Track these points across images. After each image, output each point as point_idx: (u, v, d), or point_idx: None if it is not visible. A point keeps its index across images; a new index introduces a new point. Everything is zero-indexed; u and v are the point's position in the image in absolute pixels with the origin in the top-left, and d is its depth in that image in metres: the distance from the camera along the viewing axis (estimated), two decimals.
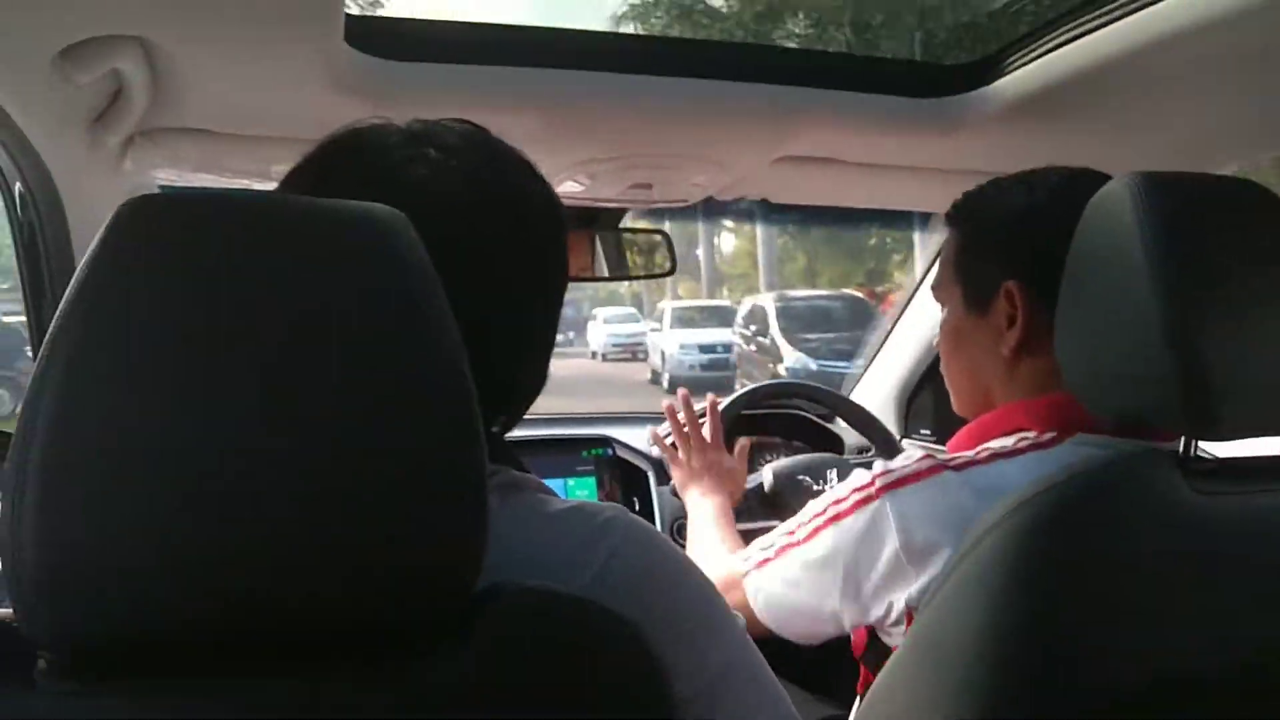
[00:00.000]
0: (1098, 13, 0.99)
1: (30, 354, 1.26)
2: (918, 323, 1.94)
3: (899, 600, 0.83)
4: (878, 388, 2.06)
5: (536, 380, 0.71)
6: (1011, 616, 0.71)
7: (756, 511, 1.61)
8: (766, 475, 1.65)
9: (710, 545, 1.25)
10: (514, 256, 0.65)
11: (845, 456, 1.78)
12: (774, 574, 0.94)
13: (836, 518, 0.87)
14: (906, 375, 1.99)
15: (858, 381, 2.13)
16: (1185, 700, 0.71)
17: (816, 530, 0.89)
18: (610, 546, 0.60)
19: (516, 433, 1.89)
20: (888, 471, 0.86)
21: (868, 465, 0.91)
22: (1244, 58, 0.98)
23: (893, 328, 2.01)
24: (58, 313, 0.44)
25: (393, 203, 0.50)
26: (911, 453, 0.89)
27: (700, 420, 1.49)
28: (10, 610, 0.44)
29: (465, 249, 0.60)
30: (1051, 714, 0.70)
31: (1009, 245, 0.93)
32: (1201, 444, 0.75)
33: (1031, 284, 0.89)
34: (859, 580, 0.85)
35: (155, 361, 0.43)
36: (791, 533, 0.93)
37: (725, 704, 0.62)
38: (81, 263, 0.45)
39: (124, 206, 0.46)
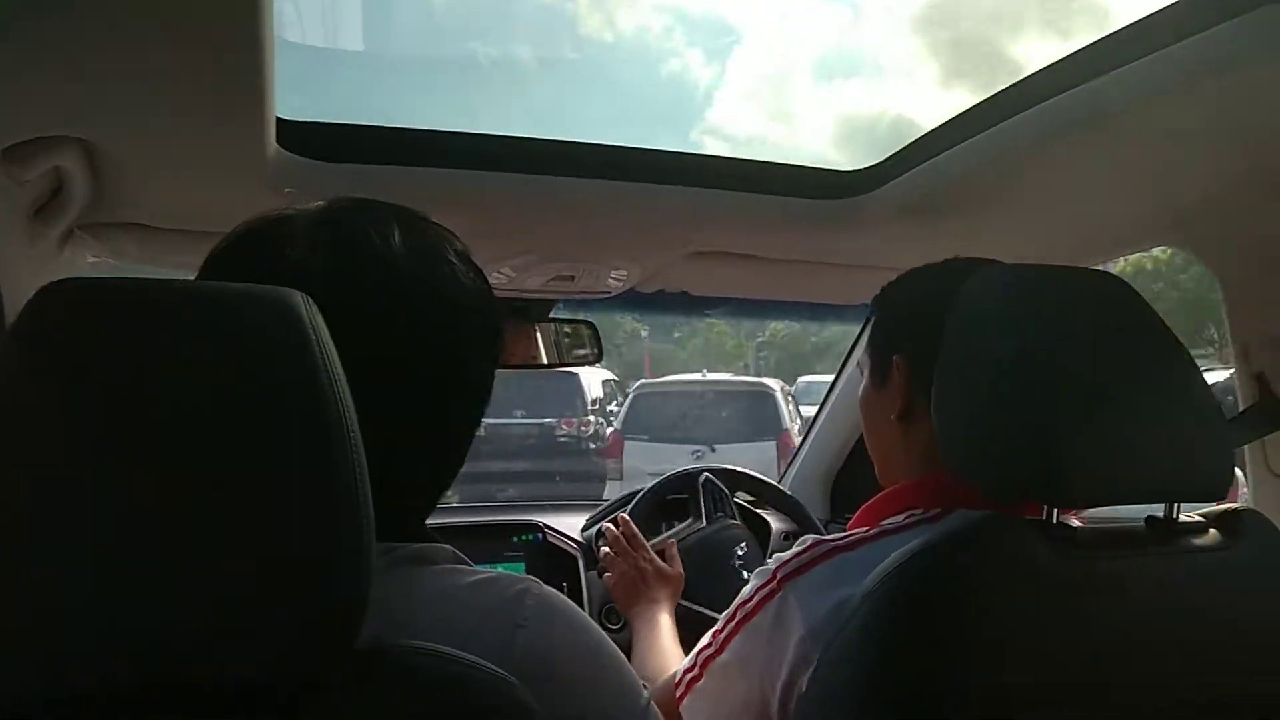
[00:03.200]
0: (973, 124, 1.10)
1: None
2: (841, 409, 2.02)
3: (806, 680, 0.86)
4: (807, 473, 2.12)
5: (451, 467, 0.71)
6: (879, 682, 0.75)
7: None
8: (691, 543, 1.69)
9: (654, 669, 1.27)
10: (424, 344, 0.65)
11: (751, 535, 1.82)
12: (701, 693, 0.97)
13: (746, 619, 0.92)
14: (831, 460, 2.06)
15: (788, 468, 2.19)
16: None
17: (730, 636, 0.93)
18: (519, 617, 0.59)
19: (446, 519, 1.91)
20: (785, 564, 0.91)
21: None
22: (1102, 167, 1.09)
23: (818, 415, 2.09)
24: None
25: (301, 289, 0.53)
26: (803, 541, 0.93)
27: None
28: None
29: (373, 336, 0.61)
30: None
31: (900, 327, 1.04)
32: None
33: (912, 361, 1.00)
34: (774, 673, 0.88)
35: (62, 438, 0.47)
36: (709, 644, 0.97)
37: None
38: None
39: (40, 292, 0.50)
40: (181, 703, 0.48)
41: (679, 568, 1.55)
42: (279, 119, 0.99)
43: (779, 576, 0.89)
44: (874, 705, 0.76)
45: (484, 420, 0.72)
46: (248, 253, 0.66)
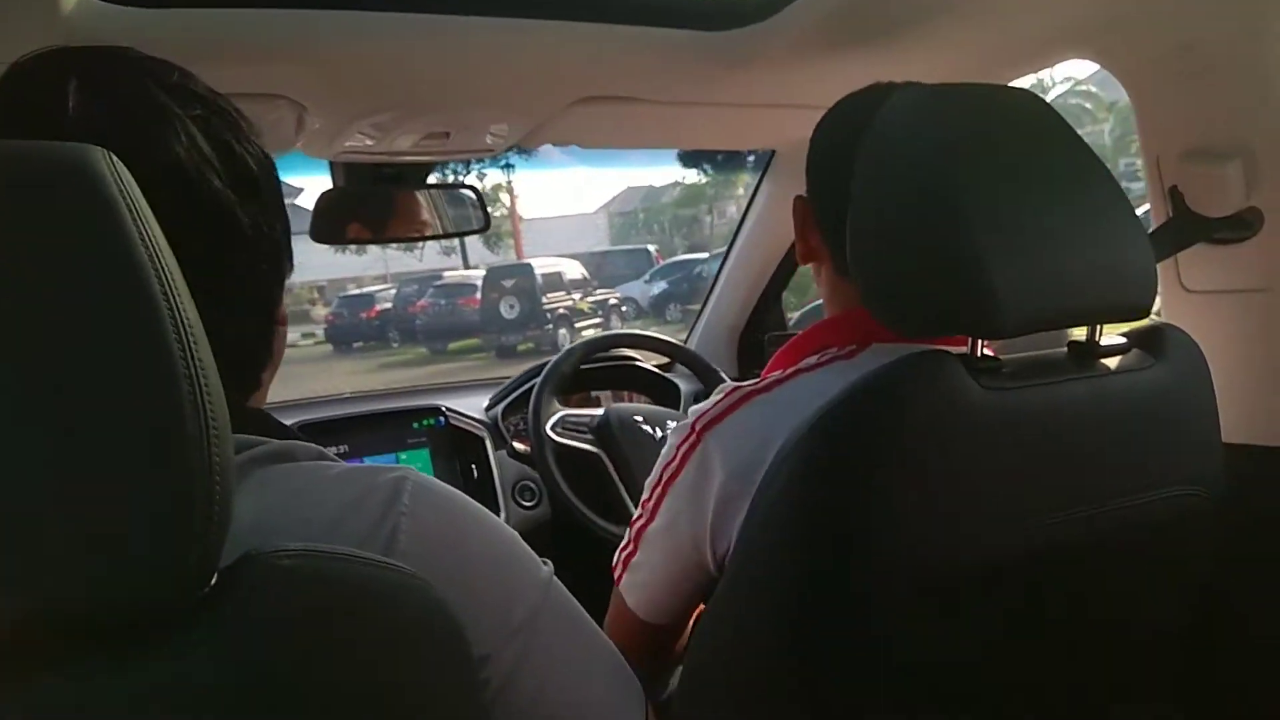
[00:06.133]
0: None
1: None
2: (743, 262, 1.97)
3: (736, 530, 0.84)
4: (712, 330, 2.08)
5: (255, 337, 0.64)
6: (815, 528, 0.73)
7: (590, 440, 1.66)
8: (608, 415, 1.68)
9: None
10: (197, 207, 0.56)
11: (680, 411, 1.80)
12: (637, 566, 0.93)
13: (672, 478, 0.88)
14: (736, 316, 2.02)
15: (694, 326, 2.15)
16: (990, 589, 0.75)
17: (658, 501, 0.90)
18: (397, 505, 0.55)
19: (342, 410, 1.81)
20: (703, 414, 0.88)
21: None
22: None
23: (720, 269, 2.03)
24: None
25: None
26: (720, 390, 0.90)
27: None
28: None
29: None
30: (860, 615, 0.73)
31: (807, 167, 0.98)
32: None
33: (811, 202, 0.97)
34: (702, 520, 0.86)
35: None
36: (639, 515, 0.93)
37: (535, 657, 0.59)
38: None
39: None
40: (36, 633, 0.42)
41: None
42: None
43: (697, 428, 0.87)
44: (807, 549, 0.74)
45: None
46: None
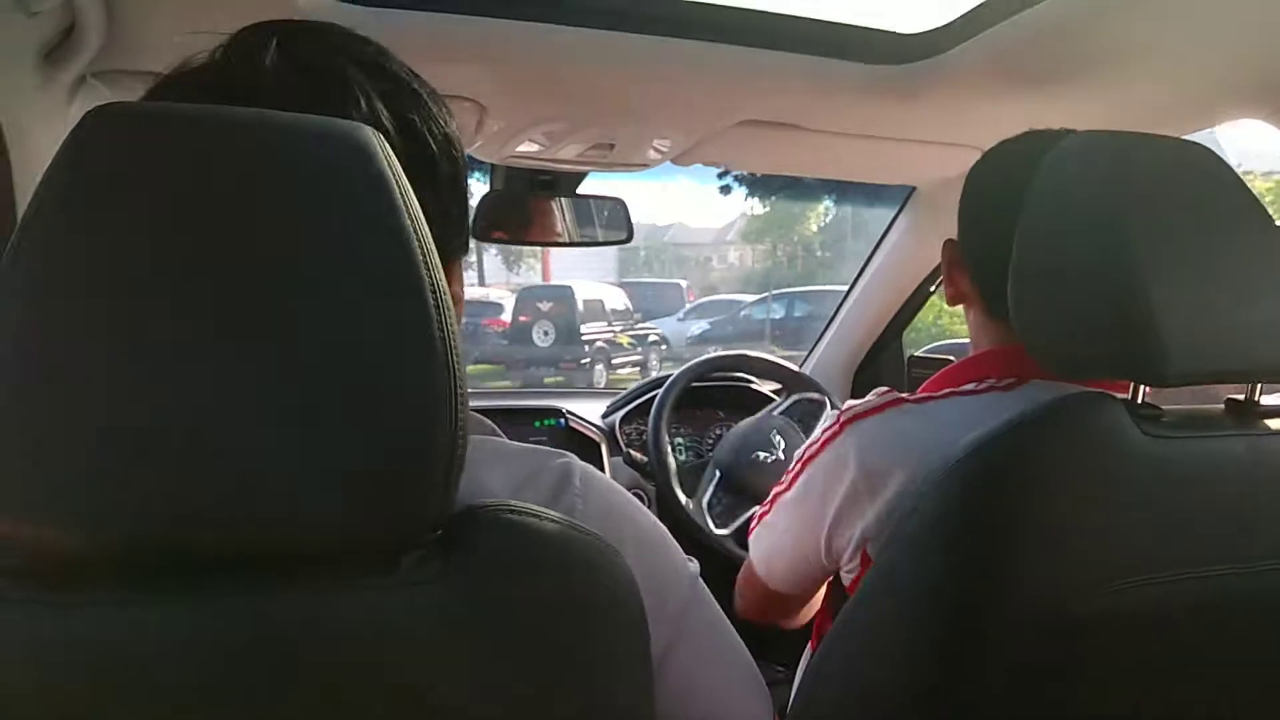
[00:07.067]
0: None
1: None
2: (869, 293, 1.97)
3: (857, 531, 0.87)
4: (828, 359, 2.09)
5: None
6: (965, 557, 0.74)
7: (732, 503, 1.70)
8: (714, 471, 1.72)
9: None
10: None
11: (775, 413, 1.84)
12: (765, 525, 1.01)
13: (811, 458, 0.93)
14: (855, 347, 2.03)
15: (810, 355, 2.16)
16: (1134, 637, 0.74)
17: (797, 474, 0.95)
18: (571, 487, 0.59)
19: (470, 404, 1.88)
20: (850, 408, 0.91)
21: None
22: (1191, 27, 1.02)
23: (844, 301, 2.04)
24: (21, 219, 0.43)
25: None
26: (878, 390, 0.94)
27: None
28: None
29: None
30: (1002, 649, 0.72)
31: (960, 209, 1.00)
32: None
33: (959, 244, 0.99)
34: (827, 509, 0.90)
35: (127, 273, 0.43)
36: (782, 484, 0.99)
37: (682, 650, 0.62)
38: (45, 170, 0.44)
39: (90, 114, 0.45)
40: (279, 566, 0.46)
41: None
42: None
43: (843, 419, 0.90)
44: (953, 577, 0.74)
45: None
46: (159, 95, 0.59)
